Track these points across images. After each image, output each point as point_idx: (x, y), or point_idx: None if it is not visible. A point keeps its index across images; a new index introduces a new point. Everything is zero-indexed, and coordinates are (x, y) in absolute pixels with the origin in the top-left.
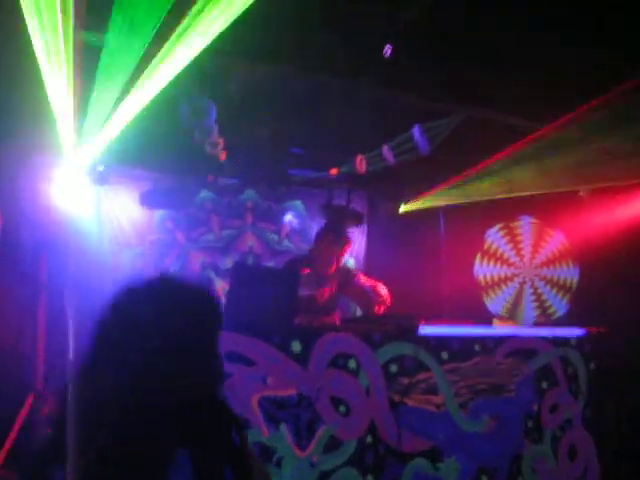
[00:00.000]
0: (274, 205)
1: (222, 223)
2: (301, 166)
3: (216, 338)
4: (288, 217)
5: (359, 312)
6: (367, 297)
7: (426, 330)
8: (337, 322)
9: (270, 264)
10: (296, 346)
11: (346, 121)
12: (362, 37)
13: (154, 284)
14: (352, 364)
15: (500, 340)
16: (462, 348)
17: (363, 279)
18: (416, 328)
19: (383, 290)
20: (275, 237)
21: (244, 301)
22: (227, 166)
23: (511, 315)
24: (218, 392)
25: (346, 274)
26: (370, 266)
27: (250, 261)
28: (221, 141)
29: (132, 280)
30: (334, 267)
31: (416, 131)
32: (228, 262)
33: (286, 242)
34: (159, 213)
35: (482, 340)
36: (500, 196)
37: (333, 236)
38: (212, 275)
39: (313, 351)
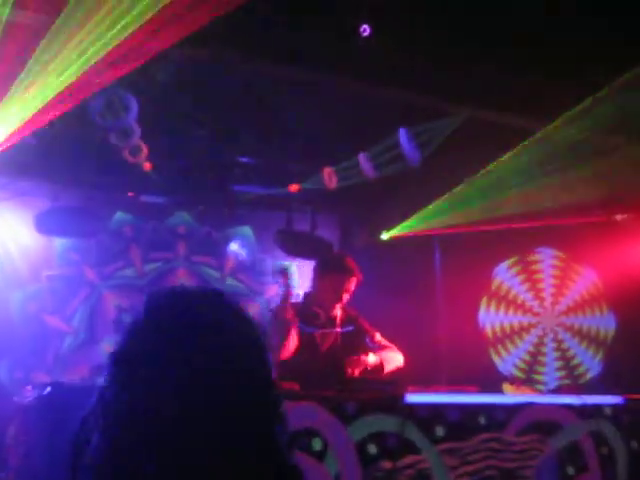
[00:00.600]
0: (214, 232)
1: (145, 255)
2: (250, 181)
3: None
4: (233, 247)
5: None
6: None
7: (415, 398)
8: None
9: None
10: None
11: (310, 123)
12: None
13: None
14: (317, 444)
15: (513, 410)
16: (463, 421)
17: (378, 337)
18: (402, 395)
19: (390, 355)
20: (216, 274)
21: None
22: (152, 180)
23: (527, 377)
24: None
25: (357, 326)
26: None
27: None
28: (144, 147)
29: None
30: (343, 300)
31: (402, 136)
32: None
33: (230, 280)
34: (61, 241)
35: (489, 411)
36: (513, 221)
37: (333, 267)
38: (128, 320)
39: None
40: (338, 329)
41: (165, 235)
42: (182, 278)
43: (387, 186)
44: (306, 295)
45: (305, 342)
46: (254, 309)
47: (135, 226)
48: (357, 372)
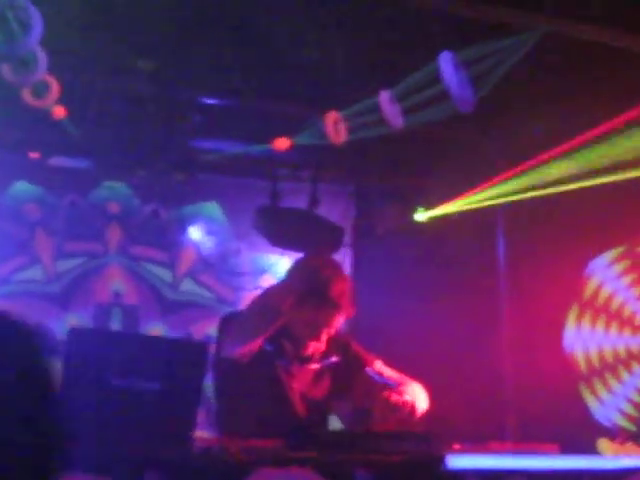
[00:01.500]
0: (163, 211)
1: (59, 247)
2: (217, 134)
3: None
4: (193, 234)
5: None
6: (384, 403)
7: (462, 462)
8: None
9: (155, 329)
10: None
11: (309, 48)
12: None
13: None
14: None
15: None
16: None
17: (379, 366)
18: (441, 458)
19: (416, 390)
20: (167, 274)
21: (92, 407)
22: (68, 133)
23: (639, 430)
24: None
25: (349, 354)
26: (357, 327)
27: (115, 324)
28: (54, 82)
29: None
30: (321, 338)
31: (445, 64)
32: (68, 324)
33: (188, 283)
34: None
35: None
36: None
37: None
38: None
39: None
40: (313, 365)
41: (89, 216)
42: (115, 280)
43: (423, 141)
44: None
45: (269, 381)
46: None
47: (43, 203)
48: (393, 422)
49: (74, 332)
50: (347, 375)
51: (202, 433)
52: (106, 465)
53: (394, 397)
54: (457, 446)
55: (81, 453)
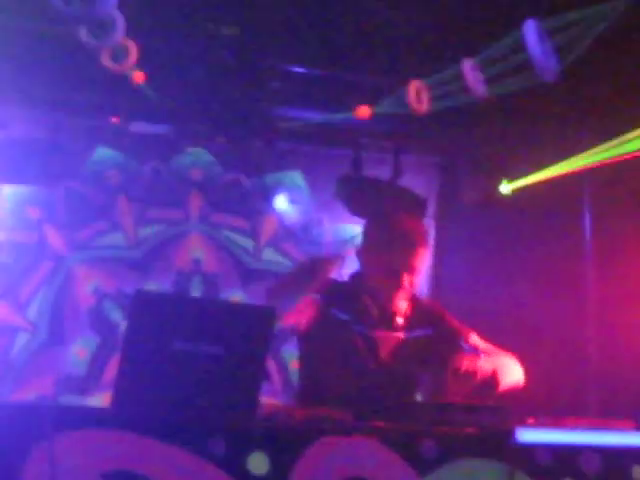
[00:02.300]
0: (246, 180)
1: (140, 213)
2: (299, 102)
3: None
4: (279, 202)
5: None
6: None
7: (532, 436)
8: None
9: (235, 297)
10: (258, 464)
11: (390, 17)
12: None
13: None
14: None
15: None
16: (607, 474)
17: (475, 339)
18: (511, 431)
19: (503, 361)
20: (249, 243)
21: (156, 371)
22: (149, 98)
23: None
24: None
25: (442, 327)
26: (439, 298)
27: (195, 291)
28: (133, 47)
29: None
30: (403, 284)
31: (529, 32)
32: (151, 288)
33: (269, 252)
34: (11, 191)
35: None
36: None
37: (391, 226)
38: (114, 313)
39: (292, 475)
40: (400, 334)
41: (170, 183)
42: (195, 248)
43: (509, 111)
44: (353, 276)
45: (350, 347)
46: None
47: (124, 169)
48: (464, 389)
49: (139, 295)
50: (440, 349)
51: (274, 401)
52: (169, 429)
53: (466, 363)
54: (531, 420)
55: (144, 416)
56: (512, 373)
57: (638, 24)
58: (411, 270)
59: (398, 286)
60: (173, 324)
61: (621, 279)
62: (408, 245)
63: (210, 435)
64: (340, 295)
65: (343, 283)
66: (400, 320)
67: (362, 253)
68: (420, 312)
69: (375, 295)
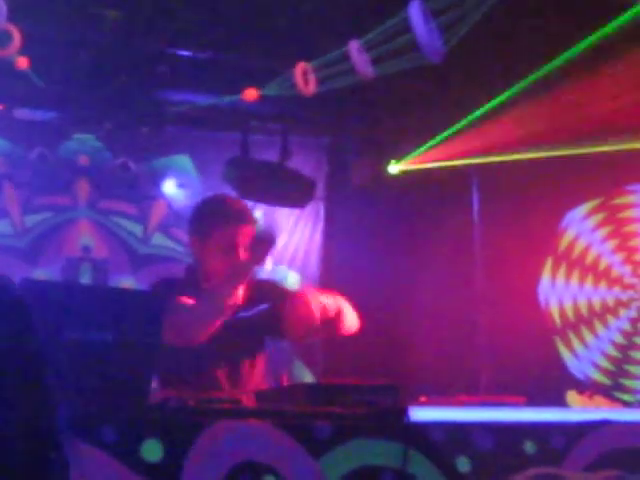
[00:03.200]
0: (133, 164)
1: (27, 201)
2: (186, 85)
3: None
4: (167, 187)
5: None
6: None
7: (425, 414)
8: (244, 397)
9: (125, 283)
10: (151, 451)
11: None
12: None
13: None
14: None
15: (578, 433)
16: (500, 451)
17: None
18: (404, 410)
19: (354, 315)
20: (138, 228)
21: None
22: (34, 84)
23: (613, 383)
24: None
25: (275, 294)
26: (330, 280)
27: (84, 278)
28: (16, 32)
29: None
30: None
31: (414, 12)
32: (40, 277)
33: (159, 237)
34: None
35: (541, 433)
36: (596, 143)
37: (227, 221)
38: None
39: (186, 461)
40: (242, 314)
41: (58, 170)
42: (84, 234)
43: (396, 91)
44: (188, 270)
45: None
46: None
47: (9, 156)
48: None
49: (26, 284)
50: (277, 313)
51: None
52: (62, 419)
53: (305, 300)
54: (424, 398)
55: None
56: (353, 319)
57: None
58: (243, 247)
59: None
60: (62, 312)
61: (510, 251)
62: (242, 224)
63: (102, 423)
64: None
65: (179, 278)
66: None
67: (197, 245)
68: (253, 288)
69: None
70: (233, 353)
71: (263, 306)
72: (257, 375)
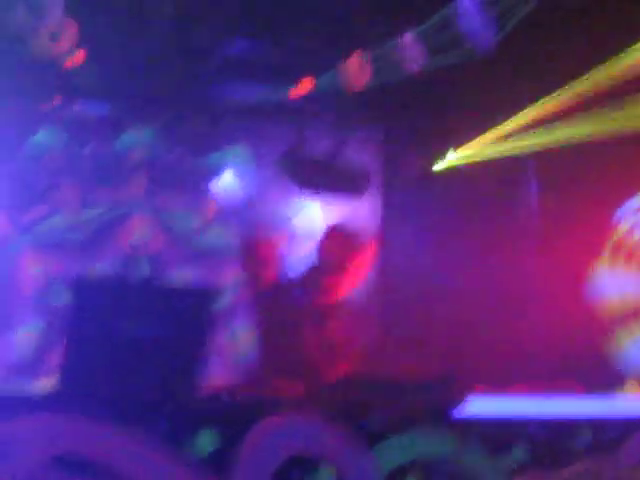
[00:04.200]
0: (189, 158)
1: (83, 195)
2: (241, 78)
3: None
4: (223, 180)
5: None
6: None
7: (480, 406)
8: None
9: (181, 277)
10: (206, 442)
11: None
12: None
13: None
14: (324, 477)
15: (632, 426)
16: (554, 441)
17: None
18: (457, 402)
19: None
20: (192, 222)
21: (99, 354)
22: (88, 79)
23: None
24: None
25: None
26: (387, 269)
27: (140, 272)
28: (71, 26)
29: None
30: (343, 284)
31: (465, 3)
32: (95, 272)
33: (214, 231)
34: None
35: (596, 425)
36: None
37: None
38: (60, 298)
39: (240, 453)
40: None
41: (113, 164)
42: (140, 229)
43: (451, 85)
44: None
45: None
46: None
47: (66, 151)
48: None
49: (81, 281)
50: None
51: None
52: (115, 412)
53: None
54: (480, 388)
55: (90, 400)
56: None
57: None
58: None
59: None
60: (115, 308)
61: (567, 242)
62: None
63: (156, 416)
64: None
65: None
66: None
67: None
68: None
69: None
70: None
71: None
72: None
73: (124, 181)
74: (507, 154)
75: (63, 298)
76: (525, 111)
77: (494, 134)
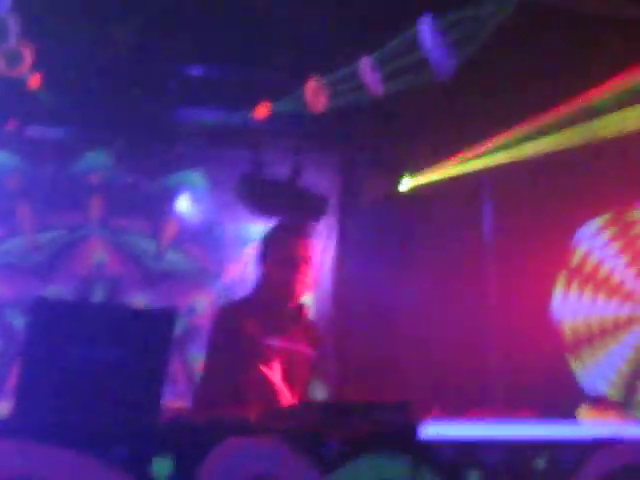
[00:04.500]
0: (145, 181)
1: (41, 219)
2: (198, 102)
3: None
4: (180, 203)
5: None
6: None
7: (435, 431)
8: (254, 415)
9: (139, 300)
10: (162, 467)
11: (287, 14)
12: None
13: None
14: None
15: (589, 449)
16: (509, 467)
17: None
18: (413, 427)
19: None
20: (150, 245)
21: (56, 378)
22: (45, 102)
23: (625, 400)
24: None
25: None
26: (342, 296)
27: (97, 296)
28: (28, 51)
29: None
30: (296, 297)
31: (424, 29)
32: (52, 294)
33: (173, 254)
34: None
35: (551, 449)
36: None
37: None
38: (16, 320)
39: (197, 477)
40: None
41: (70, 187)
42: (97, 252)
43: (407, 107)
44: (254, 290)
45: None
46: (206, 299)
47: (23, 174)
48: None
49: (38, 302)
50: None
51: (179, 403)
52: (71, 437)
53: None
54: (434, 414)
55: (45, 424)
56: None
57: (532, 19)
58: (305, 259)
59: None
60: (73, 330)
61: (521, 271)
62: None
63: (113, 440)
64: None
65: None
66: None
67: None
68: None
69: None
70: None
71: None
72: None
73: (82, 204)
74: (465, 175)
75: (19, 321)
76: (488, 134)
77: (455, 158)
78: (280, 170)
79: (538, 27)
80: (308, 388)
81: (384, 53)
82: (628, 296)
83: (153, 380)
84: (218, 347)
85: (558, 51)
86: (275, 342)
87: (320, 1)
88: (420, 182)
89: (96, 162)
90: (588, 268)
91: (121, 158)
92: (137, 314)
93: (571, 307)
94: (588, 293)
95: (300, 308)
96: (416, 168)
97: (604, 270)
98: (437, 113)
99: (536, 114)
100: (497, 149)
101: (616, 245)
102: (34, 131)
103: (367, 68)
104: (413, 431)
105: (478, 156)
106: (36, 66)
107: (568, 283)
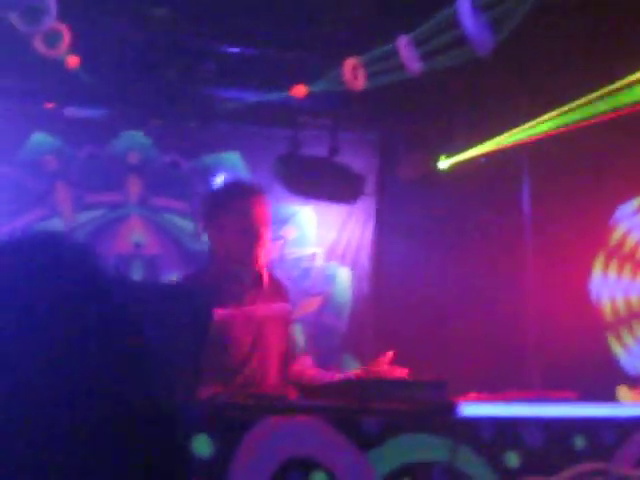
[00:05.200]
0: (184, 161)
1: (79, 198)
2: (235, 82)
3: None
4: (218, 183)
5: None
6: None
7: (474, 410)
8: (291, 394)
9: (174, 277)
10: (202, 447)
11: None
12: None
13: None
14: None
15: (629, 429)
16: (550, 446)
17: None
18: (453, 406)
19: None
20: (188, 224)
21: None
22: (83, 83)
23: None
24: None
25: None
26: (380, 275)
27: (135, 275)
28: (66, 31)
29: None
30: (258, 261)
31: (463, 6)
32: None
33: None
34: None
35: (592, 429)
36: None
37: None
38: None
39: (236, 457)
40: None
41: (108, 167)
42: (136, 231)
43: (445, 86)
44: (211, 259)
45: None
46: None
47: (61, 154)
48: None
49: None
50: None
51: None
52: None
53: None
54: (473, 394)
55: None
56: None
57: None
58: (263, 222)
59: (258, 240)
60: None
61: (559, 250)
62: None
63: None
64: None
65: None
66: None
67: (216, 228)
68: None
69: (240, 259)
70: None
71: (286, 305)
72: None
73: (119, 184)
74: (503, 153)
75: None
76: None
77: (493, 136)
78: (318, 150)
79: (578, 5)
80: (292, 345)
81: (422, 31)
82: None
83: (192, 359)
84: None
85: (597, 30)
86: (241, 309)
87: None
88: (458, 161)
89: (133, 141)
90: (627, 247)
91: (158, 137)
92: (177, 291)
93: (610, 286)
94: (627, 272)
95: (260, 272)
96: (454, 147)
97: None
98: (475, 91)
99: (575, 91)
100: (537, 126)
101: None
102: (71, 111)
103: (404, 46)
104: (452, 410)
105: (517, 134)
106: (74, 46)
107: (607, 262)
